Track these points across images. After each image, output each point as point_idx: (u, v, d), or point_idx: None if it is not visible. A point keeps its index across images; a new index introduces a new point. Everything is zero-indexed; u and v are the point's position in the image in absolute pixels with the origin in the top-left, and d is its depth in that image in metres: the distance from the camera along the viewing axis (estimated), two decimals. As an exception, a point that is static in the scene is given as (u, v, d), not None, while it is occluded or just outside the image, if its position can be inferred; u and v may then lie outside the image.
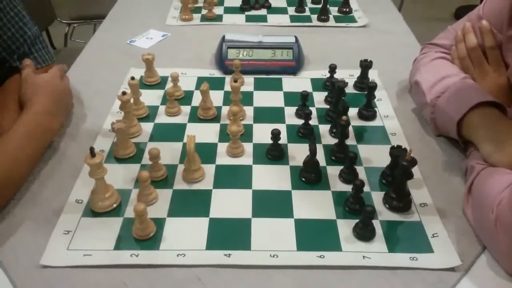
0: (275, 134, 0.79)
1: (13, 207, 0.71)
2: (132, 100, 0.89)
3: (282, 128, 0.88)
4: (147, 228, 0.66)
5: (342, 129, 0.78)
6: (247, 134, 0.87)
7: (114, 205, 0.71)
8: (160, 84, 1.02)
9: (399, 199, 0.71)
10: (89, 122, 0.91)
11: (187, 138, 0.75)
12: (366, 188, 0.75)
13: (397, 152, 0.72)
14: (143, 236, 0.66)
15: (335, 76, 1.00)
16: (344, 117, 0.77)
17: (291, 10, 1.37)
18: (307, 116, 0.84)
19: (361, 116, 0.91)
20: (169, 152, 0.81)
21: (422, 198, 0.73)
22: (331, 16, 1.33)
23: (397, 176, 0.70)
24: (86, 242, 0.66)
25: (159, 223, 0.69)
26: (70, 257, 0.63)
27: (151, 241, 0.66)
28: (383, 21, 1.32)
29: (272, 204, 0.72)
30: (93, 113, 0.93)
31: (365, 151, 0.83)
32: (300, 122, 0.87)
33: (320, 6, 1.33)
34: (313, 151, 0.74)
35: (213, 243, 0.65)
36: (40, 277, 0.61)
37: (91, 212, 0.70)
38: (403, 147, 0.74)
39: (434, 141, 0.86)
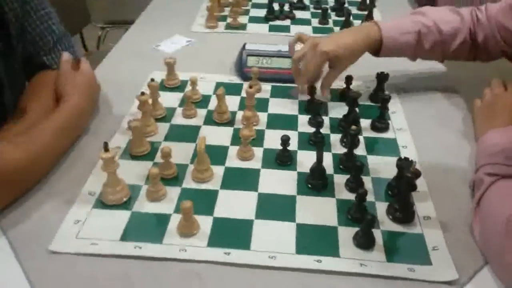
0: (284, 140, 0.80)
1: (30, 195, 0.75)
2: (151, 101, 0.93)
3: (294, 135, 0.90)
4: (192, 225, 0.68)
5: (351, 138, 0.79)
6: (258, 139, 0.89)
7: (124, 199, 0.74)
8: (180, 87, 1.05)
9: (402, 211, 0.71)
10: (110, 120, 0.95)
11: (198, 139, 0.77)
12: (371, 198, 0.75)
13: (403, 164, 0.73)
14: (188, 233, 0.68)
15: (351, 87, 1.01)
16: (353, 127, 0.78)
17: (315, 22, 1.39)
18: (318, 124, 0.86)
19: (373, 127, 0.92)
20: (181, 152, 0.84)
21: (426, 211, 0.73)
22: (354, 29, 1.34)
23: (400, 187, 0.70)
24: (94, 232, 0.69)
25: (165, 218, 0.71)
26: (78, 245, 0.66)
27: (155, 235, 0.68)
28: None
29: (275, 207, 0.73)
30: (115, 111, 0.97)
31: (374, 162, 0.84)
32: (313, 130, 0.89)
33: (343, 18, 1.35)
34: (319, 158, 0.75)
35: (214, 241, 0.67)
36: (48, 262, 0.64)
37: (102, 204, 0.73)
38: (410, 159, 0.74)
39: (445, 155, 0.85)
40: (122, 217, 0.71)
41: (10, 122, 0.83)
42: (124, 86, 1.06)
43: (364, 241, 0.67)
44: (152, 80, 0.92)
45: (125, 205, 0.74)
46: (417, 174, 0.68)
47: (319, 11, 1.41)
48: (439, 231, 0.70)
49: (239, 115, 0.95)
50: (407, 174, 0.68)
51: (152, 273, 0.63)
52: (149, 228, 0.70)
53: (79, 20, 1.90)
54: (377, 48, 0.98)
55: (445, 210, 0.73)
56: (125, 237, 0.68)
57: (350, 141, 0.79)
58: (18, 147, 0.73)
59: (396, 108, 0.98)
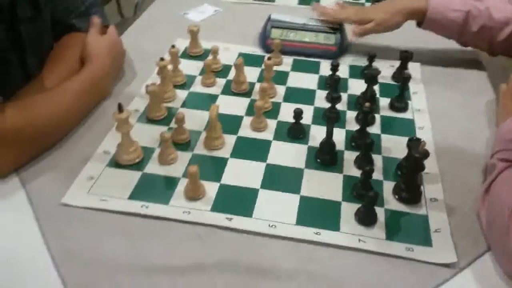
0: (297, 113, 0.81)
1: (50, 150, 0.78)
2: (171, 67, 0.94)
3: (309, 109, 0.90)
4: (198, 190, 0.70)
5: (363, 115, 0.78)
6: (274, 111, 0.89)
7: (137, 160, 0.77)
8: (203, 55, 1.06)
9: (409, 191, 0.70)
10: (133, 84, 0.97)
11: (211, 107, 0.78)
12: (379, 177, 0.75)
13: (412, 144, 0.72)
14: (193, 196, 0.70)
15: (375, 65, 0.99)
16: (367, 104, 0.77)
17: (348, -4, 1.36)
18: (333, 100, 0.85)
19: (392, 107, 0.91)
20: (197, 119, 0.85)
21: (434, 193, 0.72)
22: (386, 6, 1.31)
23: (407, 167, 0.70)
24: (105, 189, 0.72)
25: (173, 181, 0.73)
26: (88, 200, 0.70)
27: (162, 197, 0.70)
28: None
29: (281, 179, 0.74)
30: (138, 76, 1.00)
31: (387, 141, 0.83)
32: (329, 105, 0.88)
33: (376, -5, 1.31)
34: (329, 133, 0.75)
35: (218, 206, 0.69)
36: (60, 214, 0.68)
37: (115, 163, 0.76)
38: (419, 139, 0.73)
39: (462, 139, 0.83)
40: (133, 177, 0.74)
41: (33, 82, 0.87)
42: (149, 52, 1.08)
43: (365, 218, 0.67)
44: (173, 46, 0.93)
45: (137, 165, 0.76)
46: (425, 154, 0.67)
47: (353, -15, 1.38)
48: (444, 214, 0.69)
49: (257, 86, 0.95)
50: (414, 154, 0.67)
51: (155, 232, 0.66)
52: (157, 189, 0.72)
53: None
54: (421, 18, 0.99)
55: (454, 194, 0.72)
56: (133, 196, 0.71)
57: (363, 118, 0.78)
58: (33, 108, 0.76)
59: (418, 89, 0.96)
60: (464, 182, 0.74)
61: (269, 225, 0.67)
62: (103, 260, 0.62)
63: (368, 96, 0.83)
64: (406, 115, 0.90)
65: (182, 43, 1.09)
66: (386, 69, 1.02)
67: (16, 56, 0.88)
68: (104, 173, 0.74)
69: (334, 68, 0.92)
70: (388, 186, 0.74)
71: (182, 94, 0.93)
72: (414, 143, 0.70)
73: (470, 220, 0.68)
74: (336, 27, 1.08)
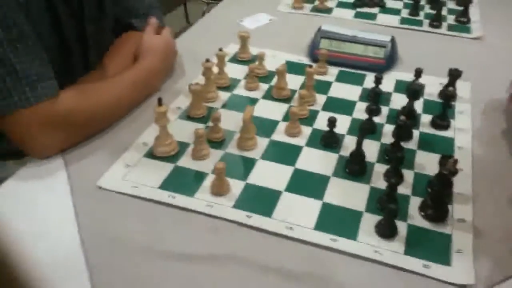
0: (331, 121, 0.81)
1: (94, 137, 0.84)
2: (216, 69, 0.98)
3: (347, 120, 0.90)
4: (222, 186, 0.72)
5: (397, 128, 0.77)
6: (310, 119, 0.90)
7: (172, 153, 0.80)
8: (251, 61, 1.09)
9: (435, 208, 0.69)
10: (179, 83, 1.02)
11: (245, 109, 0.81)
12: (407, 192, 0.74)
13: (442, 161, 0.70)
14: (218, 192, 0.72)
15: (422, 81, 0.97)
16: (402, 117, 0.76)
17: (405, 13, 1.35)
18: (371, 111, 0.85)
19: (433, 124, 0.88)
20: (234, 119, 0.88)
21: (462, 214, 0.70)
22: (444, 24, 1.28)
23: (435, 184, 0.68)
24: (139, 177, 0.76)
25: (202, 176, 0.76)
26: (121, 185, 0.74)
27: (189, 189, 0.73)
28: (501, 37, 1.23)
29: (307, 184, 0.75)
30: (186, 76, 1.04)
31: (422, 157, 0.81)
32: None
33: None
34: (359, 143, 0.75)
35: (240, 204, 0.71)
36: (94, 196, 0.73)
37: (151, 154, 0.80)
38: (455, 158, 0.71)
39: (501, 164, 0.80)
40: (166, 168, 0.78)
41: (91, 73, 0.94)
42: (200, 54, 1.11)
43: (385, 230, 0.66)
44: (220, 49, 0.97)
45: (171, 158, 0.80)
46: (453, 172, 0.65)
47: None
48: (470, 235, 0.66)
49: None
50: (442, 170, 0.65)
51: (177, 221, 0.69)
52: (186, 182, 0.75)
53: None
54: None
55: (483, 217, 0.70)
56: (163, 186, 0.74)
57: (397, 131, 0.77)
58: (86, 95, 0.82)
59: (464, 108, 0.93)
60: (497, 208, 0.71)
61: (286, 227, 0.67)
62: (125, 241, 0.65)
63: (406, 110, 0.81)
64: (447, 133, 0.87)
65: (233, 48, 1.13)
66: (434, 86, 1.00)
67: (79, 49, 0.95)
68: (140, 162, 0.79)
69: (377, 80, 0.91)
70: (415, 202, 0.72)
71: (224, 96, 0.97)
72: (445, 160, 0.68)
73: (496, 246, 0.65)
74: (386, 40, 1.07)
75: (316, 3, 1.38)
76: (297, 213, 0.70)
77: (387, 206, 0.65)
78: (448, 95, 0.86)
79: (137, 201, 0.72)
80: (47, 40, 0.84)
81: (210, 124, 0.85)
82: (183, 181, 0.75)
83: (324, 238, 0.66)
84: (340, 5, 1.40)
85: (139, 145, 0.83)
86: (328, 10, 1.36)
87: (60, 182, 0.75)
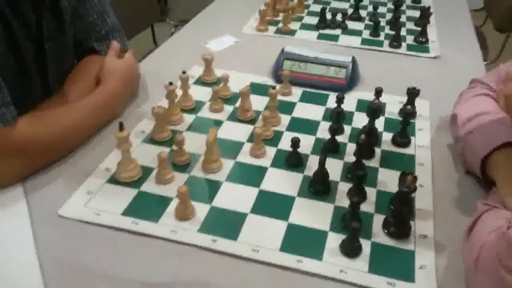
0: (295, 142, 0.82)
1: (56, 164, 0.82)
2: (181, 92, 0.98)
3: (311, 140, 0.91)
4: (187, 210, 0.71)
5: (358, 147, 0.78)
6: (275, 140, 0.90)
7: (135, 178, 0.79)
8: (216, 83, 1.10)
9: (397, 225, 0.70)
10: (142, 106, 1.01)
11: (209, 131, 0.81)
12: (370, 209, 0.75)
13: (401, 178, 0.71)
14: (182, 216, 0.71)
15: (383, 100, 1.00)
16: (362, 136, 0.78)
17: (366, 34, 1.38)
18: (333, 131, 0.86)
19: (394, 142, 0.90)
20: (198, 142, 0.87)
21: (424, 230, 0.71)
22: (404, 44, 1.32)
23: (396, 201, 0.69)
24: (101, 204, 0.74)
25: (166, 201, 0.75)
26: (83, 213, 0.72)
27: (153, 215, 0.72)
28: (458, 55, 1.28)
29: (272, 205, 0.75)
30: (149, 99, 1.04)
31: (384, 174, 0.82)
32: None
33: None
34: (321, 163, 0.76)
35: (205, 227, 0.71)
36: (56, 225, 0.71)
37: (115, 180, 0.79)
38: (414, 175, 0.72)
39: (461, 178, 0.82)
40: (129, 194, 0.77)
41: (51, 98, 0.92)
42: (165, 77, 1.11)
43: (349, 249, 0.66)
44: (184, 72, 0.97)
45: (134, 183, 0.79)
46: (413, 189, 0.66)
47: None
48: (432, 251, 0.68)
49: (263, 115, 0.97)
50: (401, 188, 0.67)
51: (141, 248, 0.68)
52: (150, 207, 0.74)
53: (151, 16, 2.02)
54: None
55: (445, 232, 0.71)
56: (126, 212, 0.73)
57: (358, 150, 0.79)
58: (43, 122, 0.81)
59: (424, 126, 0.96)
60: (457, 222, 0.73)
61: (252, 249, 0.67)
62: (86, 270, 0.64)
63: (367, 129, 0.83)
64: (408, 150, 0.89)
65: (198, 70, 1.13)
66: (394, 105, 1.03)
67: (38, 72, 0.94)
68: (102, 189, 0.78)
69: (339, 100, 0.93)
70: (378, 220, 0.73)
71: (189, 118, 0.97)
72: (404, 177, 0.70)
73: (458, 259, 0.66)
74: (347, 61, 1.09)
75: (280, 25, 1.41)
76: (263, 235, 0.70)
77: (350, 225, 0.66)
78: (407, 114, 0.88)
79: (100, 228, 0.70)
80: (4, 63, 0.83)
81: (174, 147, 0.84)
82: (147, 207, 0.74)
83: (290, 260, 0.66)
84: (303, 27, 1.42)
85: (102, 171, 0.81)
86: (292, 32, 1.39)
87: (19, 211, 0.73)
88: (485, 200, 0.70)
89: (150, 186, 0.79)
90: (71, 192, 0.76)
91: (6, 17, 0.81)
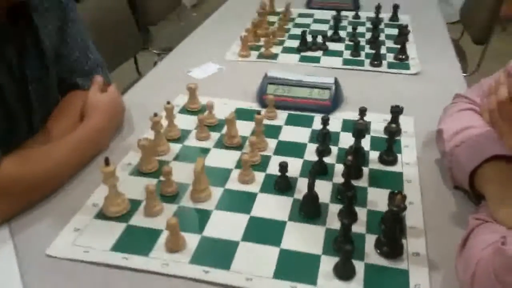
0: (283, 167, 0.82)
1: (42, 202, 0.81)
2: (167, 122, 0.98)
3: (299, 163, 0.91)
4: (177, 242, 0.70)
5: (346, 169, 0.79)
6: (263, 165, 0.90)
7: (123, 212, 0.78)
8: (201, 111, 1.10)
9: (389, 245, 0.70)
10: (127, 139, 1.01)
11: (196, 160, 0.80)
12: (362, 230, 0.75)
13: (392, 197, 0.71)
14: (173, 248, 0.70)
15: (367, 119, 1.01)
16: (349, 157, 0.78)
17: (347, 54, 1.40)
18: (320, 153, 0.86)
19: (381, 160, 0.91)
20: (186, 171, 0.87)
21: (416, 248, 0.71)
22: (384, 62, 1.34)
23: (386, 220, 0.69)
24: (90, 241, 0.73)
25: (156, 233, 0.74)
26: (72, 251, 0.71)
27: (143, 248, 0.71)
28: (438, 70, 1.30)
29: (263, 231, 0.75)
30: (134, 131, 1.04)
31: (374, 194, 0.83)
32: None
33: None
34: (309, 186, 0.76)
35: (197, 258, 0.70)
36: (44, 265, 0.69)
37: (102, 215, 0.78)
38: (403, 193, 0.73)
39: (450, 193, 0.83)
40: (117, 228, 0.76)
41: (36, 136, 0.91)
42: (149, 108, 1.11)
43: (343, 272, 0.66)
44: (168, 102, 0.97)
45: (123, 217, 0.78)
46: (402, 208, 0.66)
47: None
48: (426, 268, 0.67)
49: (250, 140, 0.97)
50: (391, 207, 0.67)
51: (133, 284, 0.66)
52: (139, 241, 0.73)
53: (132, 46, 2.03)
54: None
55: (437, 249, 0.71)
56: (115, 247, 0.72)
57: (346, 171, 0.79)
58: (28, 161, 0.80)
59: (410, 143, 0.97)
60: (449, 238, 0.73)
61: (246, 278, 0.66)
62: (77, 311, 0.62)
63: (353, 149, 0.83)
64: (395, 168, 0.90)
65: (183, 99, 1.14)
66: (379, 123, 1.04)
67: (22, 112, 0.93)
68: (90, 225, 0.76)
69: (324, 122, 0.94)
70: (370, 240, 0.73)
71: (176, 148, 0.96)
72: (393, 197, 0.70)
73: (452, 276, 0.66)
74: (330, 82, 1.11)
75: (262, 50, 1.42)
76: (256, 263, 0.69)
77: (343, 248, 0.65)
78: (391, 132, 0.89)
79: (90, 266, 0.69)
80: None
81: (162, 178, 0.84)
82: (137, 241, 0.73)
83: (284, 287, 0.65)
84: (285, 50, 1.44)
85: (89, 207, 0.80)
86: (274, 56, 1.40)
87: (6, 253, 0.72)
88: (475, 214, 0.70)
89: (138, 219, 0.78)
90: (59, 230, 0.75)
91: None
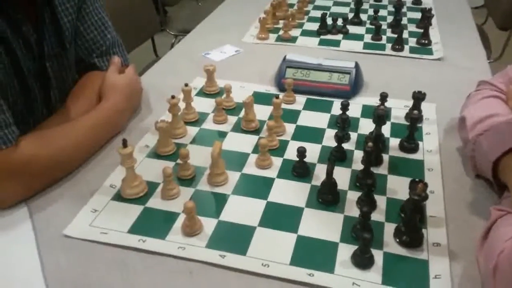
0: (301, 152, 0.81)
1: (59, 182, 0.82)
2: (184, 105, 0.97)
3: (317, 148, 0.90)
4: (194, 225, 0.70)
5: (366, 155, 0.77)
6: (281, 149, 0.89)
7: (141, 194, 0.78)
8: (219, 94, 1.09)
9: (409, 234, 0.68)
10: (145, 121, 1.00)
11: (214, 144, 0.79)
12: (381, 218, 0.73)
13: (411, 186, 0.70)
14: (190, 232, 0.70)
15: (388, 105, 0.99)
16: (369, 144, 0.76)
17: (368, 38, 1.37)
18: (339, 139, 0.85)
19: (402, 147, 0.89)
20: (203, 155, 0.86)
21: (437, 238, 0.70)
22: (406, 47, 1.31)
23: (407, 209, 0.68)
24: (107, 222, 0.73)
25: (173, 216, 0.74)
26: (89, 232, 0.71)
27: (160, 231, 0.71)
28: (462, 56, 1.27)
29: (280, 217, 0.74)
30: (152, 113, 1.03)
31: (394, 182, 0.81)
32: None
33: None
34: (328, 172, 0.74)
35: (213, 243, 0.69)
36: (61, 245, 0.70)
37: (120, 197, 0.78)
38: (424, 182, 0.71)
39: (472, 182, 0.81)
40: (135, 210, 0.76)
41: (54, 116, 0.91)
42: (167, 90, 1.10)
43: (361, 260, 0.65)
44: (186, 85, 0.96)
45: (140, 200, 0.78)
46: (424, 197, 0.65)
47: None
48: (446, 259, 0.66)
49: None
50: (412, 196, 0.65)
51: (149, 266, 0.66)
52: (156, 224, 0.73)
53: (151, 27, 2.02)
54: None
55: (458, 239, 0.70)
56: (132, 230, 0.72)
57: (366, 158, 0.77)
58: (45, 141, 0.80)
59: (431, 130, 0.95)
60: (471, 228, 0.71)
61: (262, 264, 0.66)
62: (93, 291, 0.63)
63: (374, 136, 0.82)
64: (416, 156, 0.88)
65: (200, 81, 1.13)
66: (400, 109, 1.01)
67: (40, 90, 0.93)
68: (107, 207, 0.76)
69: (344, 107, 0.92)
70: (389, 229, 0.72)
71: (193, 131, 0.96)
72: (414, 185, 0.68)
73: (473, 267, 0.65)
74: (350, 66, 1.08)
75: (281, 32, 1.40)
76: (272, 249, 0.68)
77: (361, 236, 0.64)
78: (413, 118, 0.86)
79: (106, 247, 0.69)
80: (6, 82, 0.82)
81: (179, 161, 0.83)
82: (153, 223, 0.73)
83: (300, 274, 0.64)
84: (304, 33, 1.42)
85: (107, 188, 0.80)
86: (293, 39, 1.38)
87: (25, 233, 0.72)
88: (497, 204, 0.68)
89: (155, 202, 0.77)
90: (76, 211, 0.75)
91: (6, 37, 0.81)
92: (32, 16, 0.87)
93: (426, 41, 1.32)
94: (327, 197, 0.76)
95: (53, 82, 0.95)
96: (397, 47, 1.29)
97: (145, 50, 2.18)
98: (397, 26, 1.40)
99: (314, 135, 0.94)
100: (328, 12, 1.52)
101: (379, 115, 0.85)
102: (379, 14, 1.47)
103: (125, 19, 1.65)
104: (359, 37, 1.38)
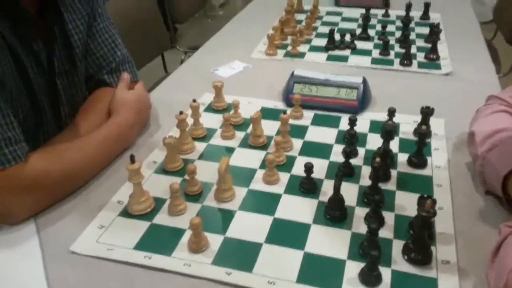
0: (308, 168, 0.80)
1: (68, 198, 0.82)
2: (192, 120, 0.98)
3: (324, 164, 0.89)
4: (200, 242, 0.70)
5: (374, 171, 0.77)
6: (287, 165, 0.89)
7: (148, 210, 0.78)
8: (227, 109, 1.09)
9: (418, 251, 0.67)
10: (154, 136, 1.01)
11: (221, 160, 0.79)
12: (389, 235, 0.73)
13: (419, 202, 0.69)
14: (196, 249, 0.70)
15: (396, 120, 0.98)
16: (377, 159, 0.76)
17: (376, 53, 1.37)
18: (347, 154, 0.84)
19: (410, 163, 0.88)
20: (211, 171, 0.86)
21: (446, 255, 0.69)
22: (415, 62, 1.31)
23: (415, 225, 0.67)
24: (114, 238, 0.73)
25: (179, 233, 0.74)
26: (95, 248, 0.71)
27: (166, 248, 0.71)
28: (471, 71, 1.26)
29: (287, 234, 0.73)
30: (160, 129, 1.04)
31: (402, 198, 0.80)
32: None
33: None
34: (336, 188, 0.74)
35: (219, 260, 0.69)
36: (68, 261, 0.70)
37: (127, 213, 0.78)
38: (433, 198, 0.70)
39: (481, 199, 0.80)
40: (141, 227, 0.76)
41: (63, 132, 0.92)
42: (175, 106, 1.11)
43: (369, 278, 0.64)
44: (194, 101, 0.97)
45: (147, 216, 0.78)
46: (431, 213, 0.64)
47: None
48: (456, 277, 0.65)
49: (275, 140, 0.96)
50: (421, 212, 0.64)
51: (154, 283, 0.66)
52: (162, 240, 0.73)
53: (160, 44, 2.04)
54: None
55: (468, 256, 0.68)
56: (139, 246, 0.72)
57: (374, 174, 0.77)
58: (55, 156, 0.80)
59: (440, 145, 0.94)
60: (480, 245, 0.70)
61: (268, 282, 0.65)
62: (99, 309, 0.62)
63: (382, 151, 0.81)
64: (425, 171, 0.87)
65: (208, 97, 1.13)
66: (408, 125, 1.01)
67: (50, 107, 0.94)
68: (114, 223, 0.77)
69: (352, 122, 0.92)
70: (398, 246, 0.71)
71: (201, 146, 0.96)
72: (423, 201, 0.67)
73: (483, 285, 0.64)
74: (358, 82, 1.08)
75: (289, 48, 1.41)
76: (279, 266, 0.68)
77: (369, 253, 0.63)
78: (421, 134, 0.86)
79: (113, 264, 0.69)
80: (17, 97, 0.83)
81: (186, 177, 0.84)
82: (160, 240, 0.73)
83: (307, 291, 0.64)
84: (312, 49, 1.42)
85: (114, 204, 0.80)
86: (301, 55, 1.38)
87: (32, 248, 0.72)
88: (507, 221, 0.67)
89: (162, 218, 0.77)
90: (84, 226, 0.75)
91: (17, 53, 0.82)
92: (43, 33, 0.88)
93: (435, 56, 1.32)
94: (334, 213, 0.76)
95: (63, 98, 0.96)
96: (405, 62, 1.29)
97: (156, 67, 2.21)
98: (405, 41, 1.40)
99: (322, 150, 0.93)
100: (336, 28, 1.53)
101: (388, 130, 0.84)
102: (387, 29, 1.47)
103: (136, 36, 1.68)
104: (367, 53, 1.38)
